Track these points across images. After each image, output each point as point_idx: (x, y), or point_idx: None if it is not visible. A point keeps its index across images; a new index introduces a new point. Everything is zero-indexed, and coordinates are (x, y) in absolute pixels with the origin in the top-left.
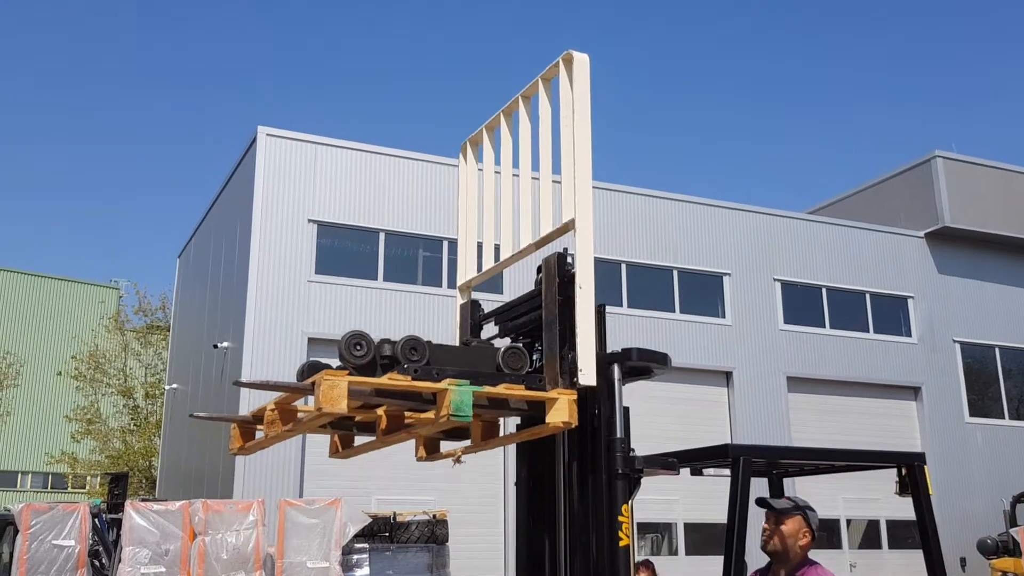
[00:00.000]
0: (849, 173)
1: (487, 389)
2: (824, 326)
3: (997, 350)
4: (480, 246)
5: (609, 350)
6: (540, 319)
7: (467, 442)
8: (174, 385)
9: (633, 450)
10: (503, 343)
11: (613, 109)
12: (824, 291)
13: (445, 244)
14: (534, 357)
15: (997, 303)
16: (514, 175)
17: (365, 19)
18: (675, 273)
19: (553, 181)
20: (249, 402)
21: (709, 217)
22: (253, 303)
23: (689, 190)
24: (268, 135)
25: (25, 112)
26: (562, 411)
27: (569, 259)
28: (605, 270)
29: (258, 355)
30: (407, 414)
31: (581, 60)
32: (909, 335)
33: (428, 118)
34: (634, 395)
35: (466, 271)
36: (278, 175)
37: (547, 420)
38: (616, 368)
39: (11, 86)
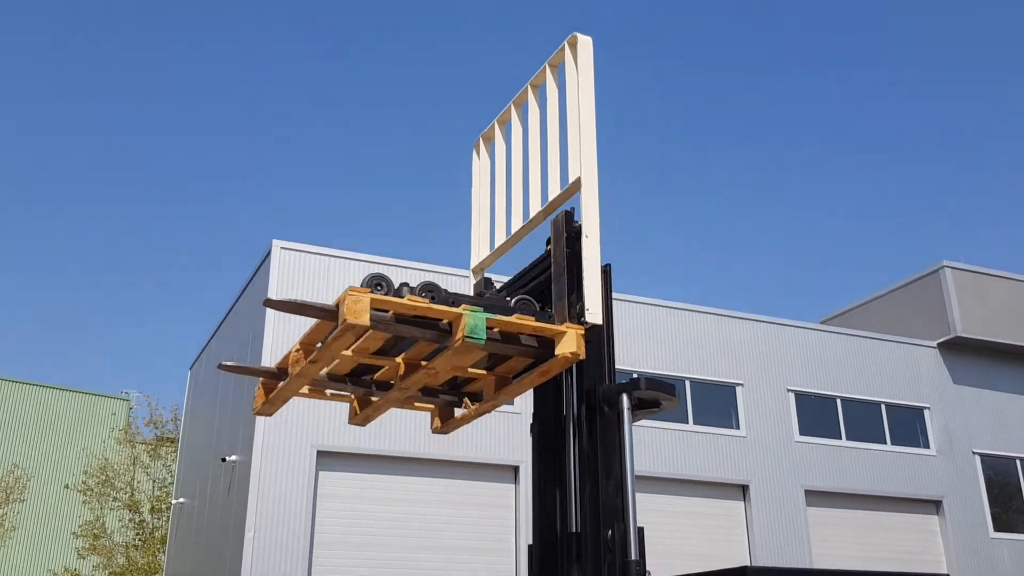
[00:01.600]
0: (857, 282)
1: (499, 318)
2: (840, 438)
3: (1018, 462)
4: (493, 227)
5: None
6: (549, 280)
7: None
8: (181, 499)
9: (649, 572)
10: None
11: (625, 214)
12: (839, 402)
13: None
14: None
15: (1015, 414)
16: (524, 159)
17: (377, 128)
18: (688, 383)
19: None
20: (257, 511)
21: (721, 327)
22: (263, 416)
23: (696, 299)
24: (282, 248)
25: (35, 222)
26: (570, 343)
27: (575, 217)
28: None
29: (266, 469)
30: (423, 363)
31: (585, 41)
32: (927, 447)
33: (438, 228)
34: (650, 510)
35: (479, 252)
36: (292, 287)
37: (556, 352)
38: (625, 398)
39: (21, 193)
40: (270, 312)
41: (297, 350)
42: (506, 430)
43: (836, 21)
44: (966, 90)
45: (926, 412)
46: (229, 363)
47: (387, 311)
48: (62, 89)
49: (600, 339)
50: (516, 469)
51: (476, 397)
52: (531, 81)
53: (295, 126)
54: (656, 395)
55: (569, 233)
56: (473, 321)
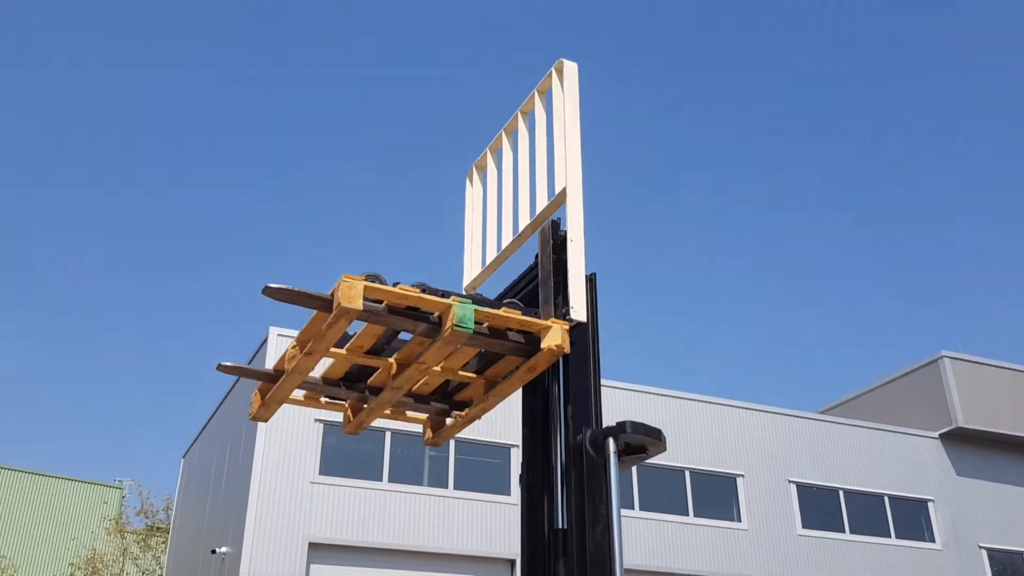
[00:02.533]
0: (856, 371)
1: (487, 311)
2: (844, 531)
3: None
4: (484, 246)
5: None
6: (536, 289)
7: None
8: None
9: None
10: None
11: (619, 309)
12: (842, 494)
13: (452, 444)
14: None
15: (1020, 506)
16: (514, 179)
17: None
18: (687, 474)
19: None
20: None
21: (720, 416)
22: (254, 506)
23: (689, 387)
24: (279, 335)
25: (26, 303)
26: (555, 336)
27: (562, 226)
28: None
29: (256, 562)
30: (415, 364)
31: (571, 66)
32: (933, 540)
33: (430, 259)
34: None
35: (471, 272)
36: None
37: (542, 346)
38: (611, 442)
39: (20, 280)
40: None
41: (293, 347)
42: (501, 522)
43: (828, 93)
44: (966, 182)
45: (930, 505)
46: (228, 364)
47: (380, 301)
48: (59, 175)
49: (587, 383)
50: (512, 563)
51: (467, 406)
52: (521, 108)
53: (282, 201)
54: (643, 440)
55: (555, 240)
56: (462, 311)
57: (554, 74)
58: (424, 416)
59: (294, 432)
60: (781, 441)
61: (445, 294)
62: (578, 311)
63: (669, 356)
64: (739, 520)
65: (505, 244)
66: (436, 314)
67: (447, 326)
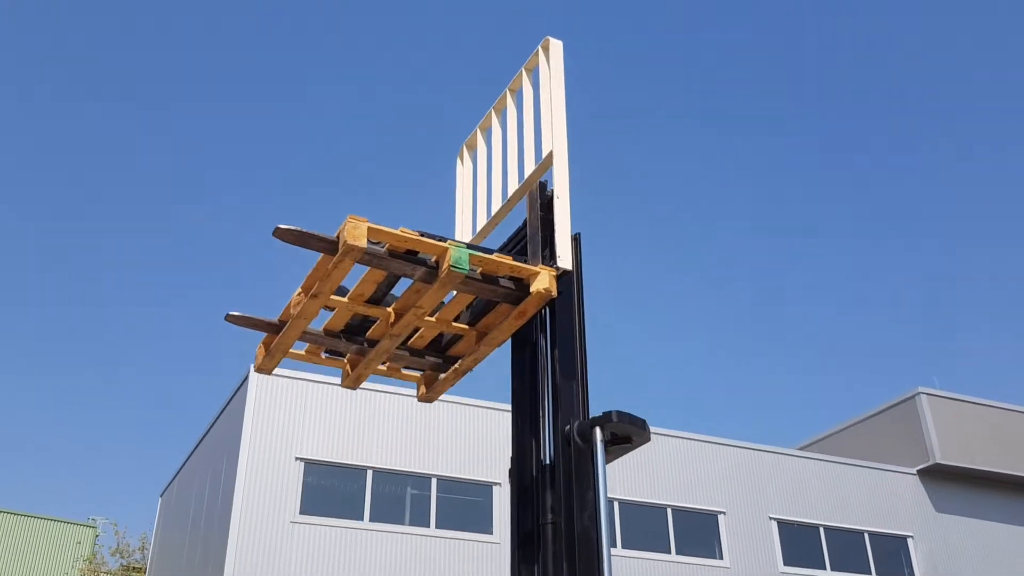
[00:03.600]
0: (831, 406)
1: (481, 255)
2: (825, 568)
3: None
4: (475, 215)
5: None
6: (525, 247)
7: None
8: None
9: None
10: None
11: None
12: (822, 530)
13: (434, 481)
14: None
15: (999, 542)
16: (503, 151)
17: None
18: (670, 511)
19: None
20: None
21: (701, 453)
22: (234, 546)
23: (666, 423)
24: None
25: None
26: (543, 280)
27: (549, 187)
28: None
29: None
30: (412, 308)
31: (556, 43)
32: None
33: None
34: None
35: (462, 239)
36: (267, 413)
37: (531, 290)
38: (598, 431)
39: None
40: (245, 438)
41: (299, 293)
42: (485, 560)
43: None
44: (946, 219)
45: (910, 541)
46: (235, 313)
47: (382, 244)
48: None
49: (576, 377)
50: None
51: (456, 359)
52: (509, 86)
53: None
54: (628, 429)
55: (543, 200)
56: (458, 253)
57: (540, 52)
58: (418, 374)
59: (274, 471)
60: (761, 478)
61: (442, 239)
62: (564, 260)
63: (640, 390)
64: (721, 558)
65: (495, 210)
66: (434, 258)
67: (444, 267)
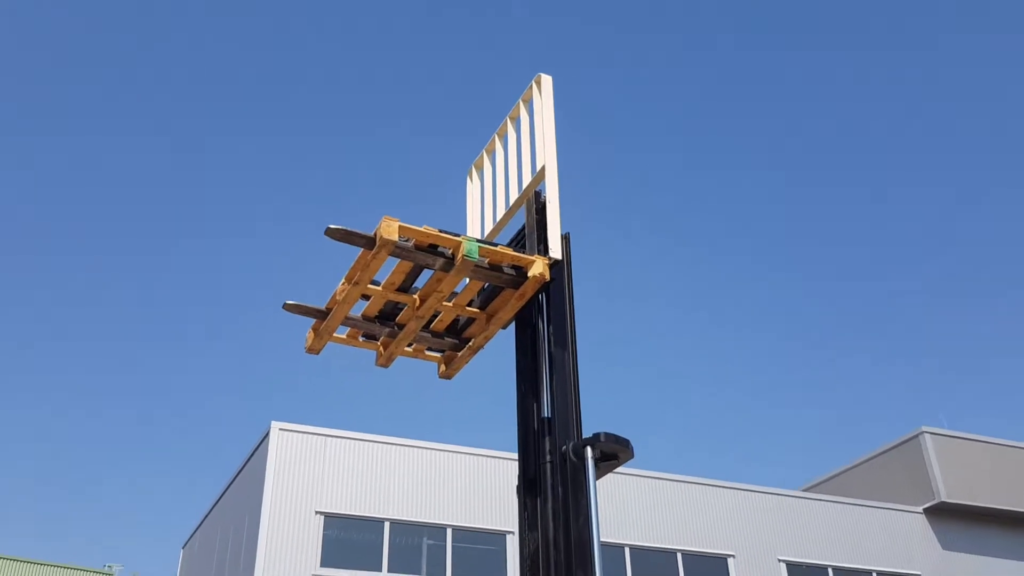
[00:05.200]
0: (836, 446)
1: (487, 247)
2: None
3: None
4: (483, 223)
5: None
6: (525, 243)
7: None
8: None
9: None
10: None
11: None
12: (831, 571)
13: (449, 532)
14: None
15: None
16: (505, 169)
17: None
18: (679, 556)
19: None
20: None
21: (709, 497)
22: None
23: (670, 467)
24: (280, 429)
25: (25, 386)
26: (539, 267)
27: (542, 195)
28: (608, 555)
29: None
30: (433, 295)
31: (547, 79)
32: None
33: (427, 403)
34: None
35: None
36: (288, 468)
37: (529, 274)
38: (589, 450)
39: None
40: (266, 493)
41: (343, 283)
42: None
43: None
44: (947, 258)
45: None
46: (291, 302)
47: (409, 239)
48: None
49: (567, 402)
50: None
51: (468, 341)
52: (509, 115)
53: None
54: (614, 448)
55: (538, 205)
56: (469, 245)
57: (534, 85)
58: (439, 354)
59: (295, 525)
60: (769, 520)
61: (457, 235)
62: (555, 252)
63: (648, 435)
64: None
65: (500, 216)
66: (451, 250)
67: (459, 258)
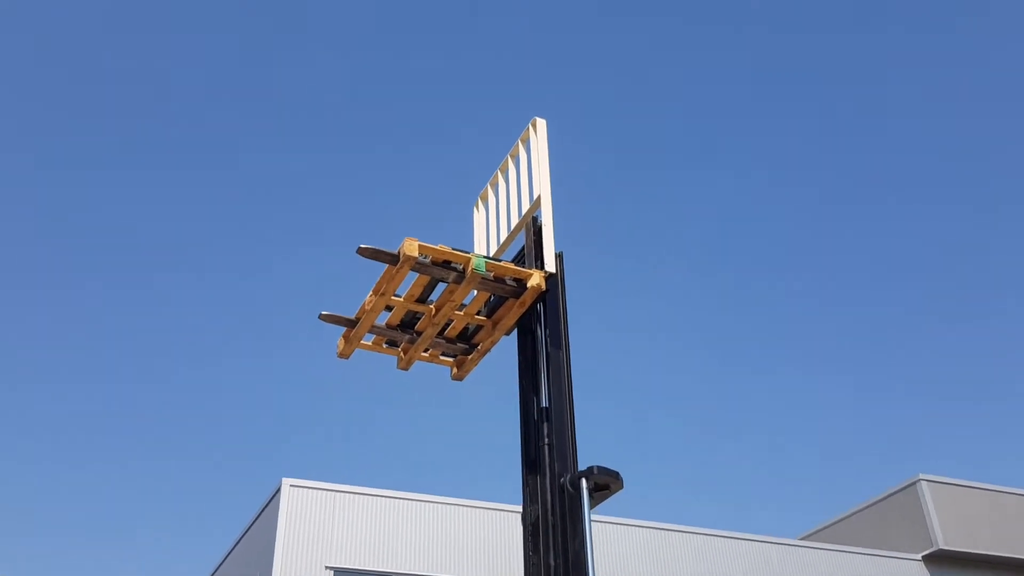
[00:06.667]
0: (832, 494)
1: (492, 262)
2: None
3: None
4: (488, 247)
5: None
6: (524, 261)
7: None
8: None
9: None
10: None
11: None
12: None
13: None
14: None
15: None
16: (507, 199)
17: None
18: None
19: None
20: None
21: (709, 547)
22: None
23: (664, 516)
24: (291, 486)
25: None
26: (536, 279)
27: (539, 220)
28: None
29: None
30: (447, 304)
31: (541, 122)
32: None
33: (438, 458)
34: None
35: None
36: (299, 524)
37: (528, 285)
38: (584, 481)
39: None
40: (278, 549)
41: (371, 295)
42: None
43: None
44: (935, 298)
45: None
46: (326, 313)
47: (427, 256)
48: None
49: (564, 434)
50: None
51: (476, 346)
52: (510, 153)
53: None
54: (606, 479)
55: (535, 228)
56: (478, 260)
57: (531, 128)
58: (451, 359)
59: None
60: (769, 569)
61: (466, 252)
62: (549, 265)
63: (637, 487)
64: None
65: (503, 239)
66: (462, 265)
67: (469, 271)
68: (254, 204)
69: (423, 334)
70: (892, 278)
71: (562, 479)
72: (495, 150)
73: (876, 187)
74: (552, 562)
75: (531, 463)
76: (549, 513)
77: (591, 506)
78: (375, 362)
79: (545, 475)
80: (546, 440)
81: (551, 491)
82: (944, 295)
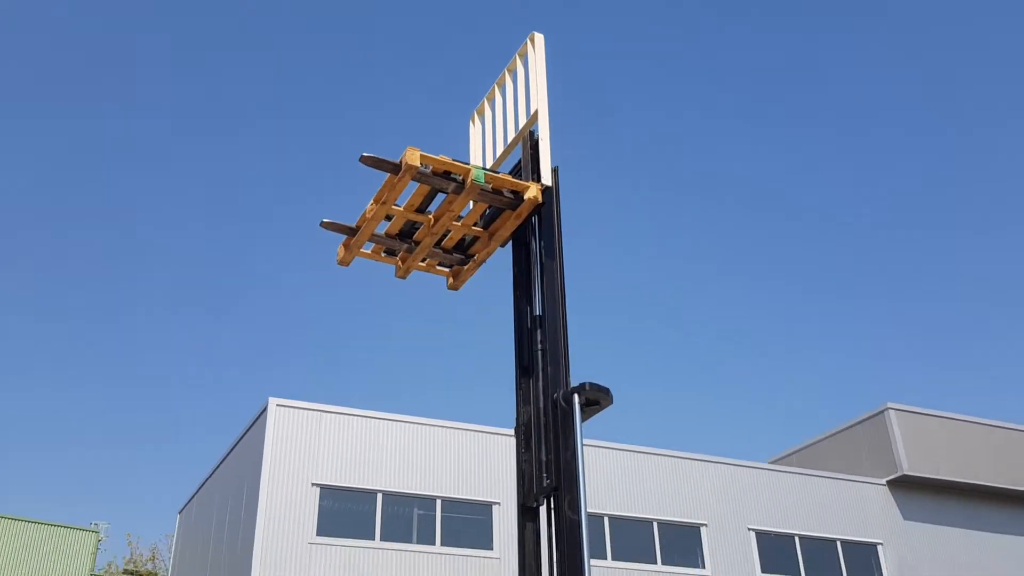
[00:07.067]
0: (801, 422)
1: (491, 173)
2: (800, 574)
3: None
4: (484, 160)
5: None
6: (521, 174)
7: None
8: None
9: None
10: None
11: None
12: (797, 539)
13: (438, 503)
14: None
15: (962, 548)
16: (504, 114)
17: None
18: (655, 525)
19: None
20: None
21: (683, 469)
22: (258, 566)
23: (643, 439)
24: (278, 405)
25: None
26: (533, 191)
27: (535, 134)
28: (588, 524)
29: None
30: (445, 215)
31: (540, 37)
32: None
33: (423, 378)
34: None
35: None
36: (286, 442)
37: (525, 197)
38: (576, 397)
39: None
40: (265, 466)
41: (372, 204)
42: (485, 574)
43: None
44: (913, 240)
45: (879, 548)
46: (327, 220)
47: (428, 166)
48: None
49: (557, 338)
50: None
51: (472, 256)
52: (507, 68)
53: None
54: (597, 395)
55: (532, 142)
56: (477, 172)
57: (529, 42)
58: (447, 269)
59: (293, 496)
60: (740, 491)
61: (466, 163)
62: (546, 179)
63: (621, 410)
64: (703, 567)
65: (499, 153)
66: (462, 176)
67: (468, 182)
68: (244, 117)
69: (421, 243)
70: (877, 201)
71: (555, 394)
72: (490, 67)
73: (863, 118)
74: (544, 457)
75: (524, 368)
76: (541, 414)
77: (583, 420)
78: (369, 285)
79: (538, 379)
80: (539, 346)
81: (543, 394)
82: (924, 224)
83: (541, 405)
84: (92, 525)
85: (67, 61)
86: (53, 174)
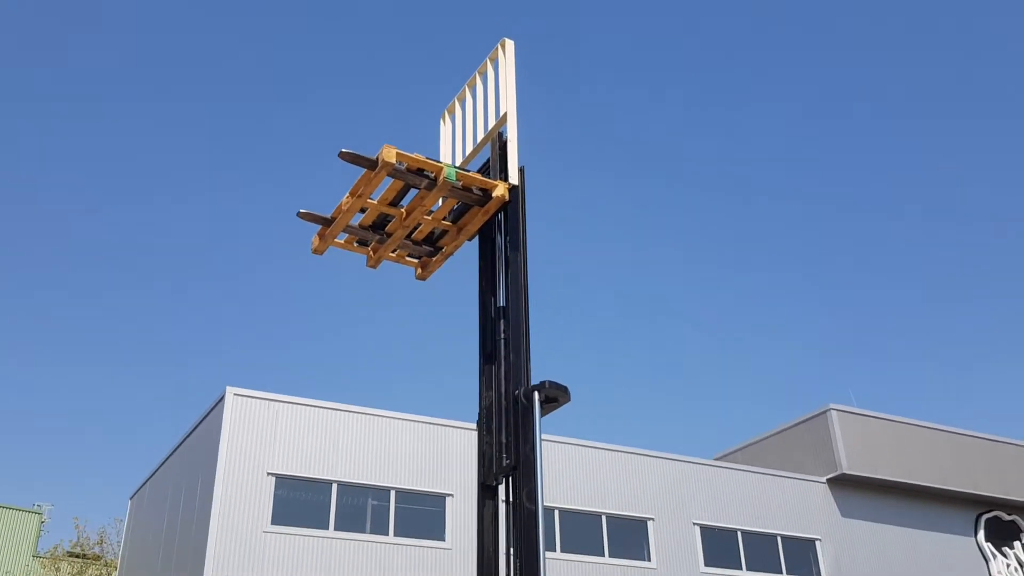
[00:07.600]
0: (744, 422)
1: (461, 171)
2: (741, 568)
3: None
4: (453, 159)
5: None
6: (489, 173)
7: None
8: None
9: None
10: None
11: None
12: (739, 534)
13: (392, 493)
14: None
15: (896, 546)
16: (474, 114)
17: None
18: (604, 518)
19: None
20: None
21: (632, 465)
22: (212, 554)
23: (595, 436)
24: (235, 394)
25: None
26: (500, 189)
27: (504, 135)
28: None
29: None
30: (417, 209)
31: (510, 43)
32: None
33: (386, 368)
34: None
35: None
36: (242, 431)
37: (493, 195)
38: (536, 394)
39: None
40: (221, 454)
41: (347, 197)
42: (438, 565)
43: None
44: (864, 240)
45: (817, 543)
46: (304, 211)
47: (403, 163)
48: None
49: (519, 327)
50: None
51: (440, 249)
52: (478, 70)
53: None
54: (556, 392)
55: (500, 143)
56: (449, 170)
57: (499, 48)
58: (416, 260)
59: (248, 485)
60: (686, 486)
61: (439, 162)
62: (513, 178)
63: (575, 406)
64: (649, 560)
65: (468, 152)
66: (434, 174)
67: (440, 179)
68: (215, 102)
69: (393, 235)
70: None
71: (516, 391)
72: (461, 64)
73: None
74: (504, 440)
75: (488, 356)
76: (503, 399)
77: (542, 415)
78: (333, 277)
79: (500, 367)
80: (502, 335)
81: (505, 380)
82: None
83: (503, 391)
84: (35, 507)
85: (29, 41)
86: (40, 154)
